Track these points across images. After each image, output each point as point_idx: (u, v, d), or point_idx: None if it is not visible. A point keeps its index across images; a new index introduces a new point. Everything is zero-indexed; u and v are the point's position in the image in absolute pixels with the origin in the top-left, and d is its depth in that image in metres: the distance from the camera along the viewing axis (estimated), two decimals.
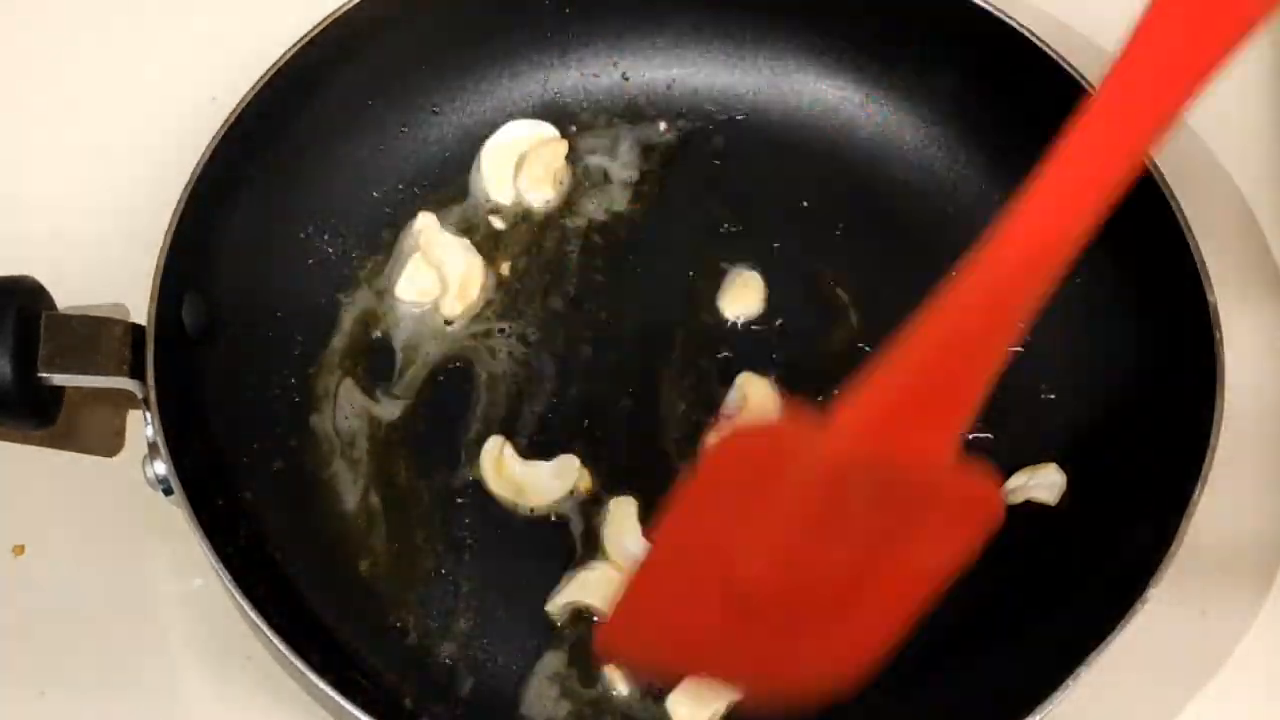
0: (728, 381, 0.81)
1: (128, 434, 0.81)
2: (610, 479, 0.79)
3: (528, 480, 0.79)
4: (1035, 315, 0.57)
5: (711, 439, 0.62)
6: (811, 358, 0.83)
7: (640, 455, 0.80)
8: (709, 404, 0.81)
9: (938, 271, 0.84)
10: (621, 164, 0.88)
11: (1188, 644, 0.78)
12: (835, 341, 0.83)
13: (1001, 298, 0.56)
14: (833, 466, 0.56)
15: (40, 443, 0.80)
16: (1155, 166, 0.78)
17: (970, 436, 0.79)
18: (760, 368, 0.82)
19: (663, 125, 0.89)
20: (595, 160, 0.88)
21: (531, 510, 0.79)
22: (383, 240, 0.85)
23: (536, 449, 0.80)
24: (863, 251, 0.86)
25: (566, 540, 0.78)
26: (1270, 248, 0.88)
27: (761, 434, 0.60)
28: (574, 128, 0.88)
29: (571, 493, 0.79)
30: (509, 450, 0.80)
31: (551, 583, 0.77)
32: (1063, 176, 0.55)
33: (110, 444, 0.81)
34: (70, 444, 0.81)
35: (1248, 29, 0.53)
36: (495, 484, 0.79)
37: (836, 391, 0.57)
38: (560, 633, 0.76)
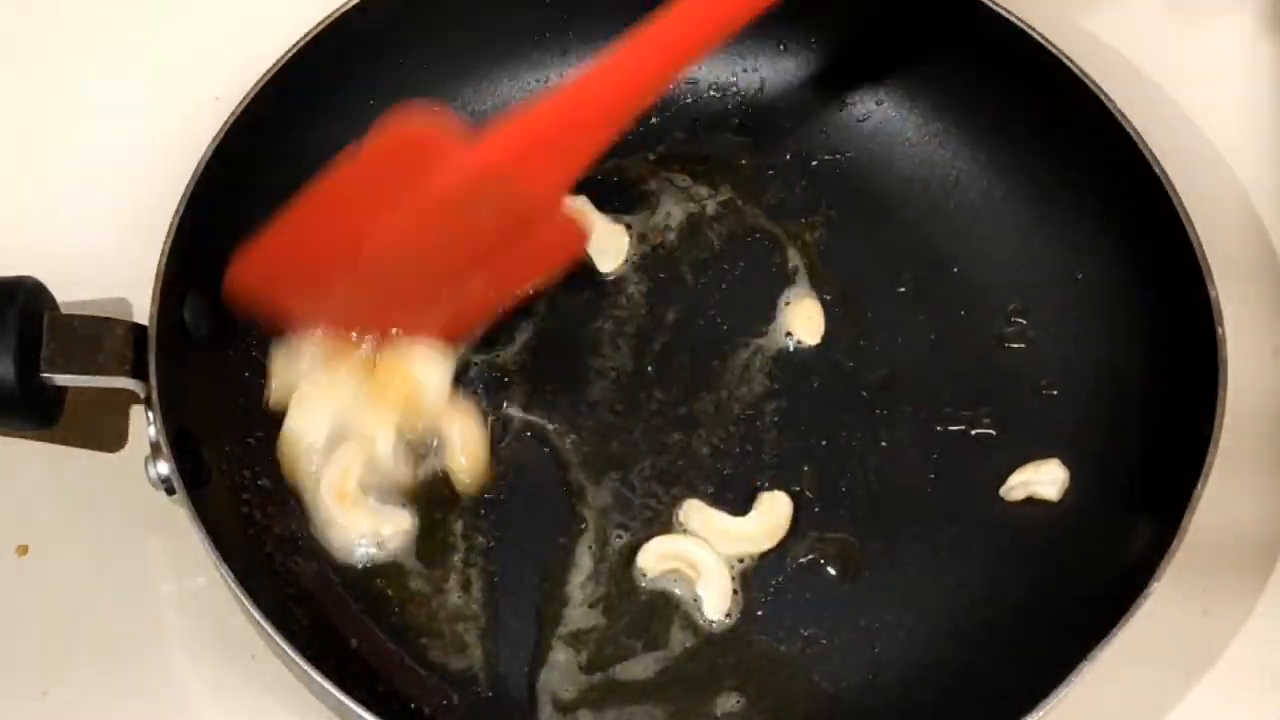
0: None
1: (130, 434, 0.81)
2: None
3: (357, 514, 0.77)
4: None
5: (379, 125, 0.72)
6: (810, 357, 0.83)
7: None
8: None
9: (938, 266, 0.85)
10: None
11: (1187, 638, 0.78)
12: (836, 337, 0.83)
13: (621, 99, 0.73)
14: (475, 174, 0.72)
15: (43, 442, 0.80)
16: (1157, 160, 0.78)
17: (974, 432, 0.80)
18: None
19: (654, 120, 0.89)
20: None
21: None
22: None
23: None
24: (862, 246, 0.86)
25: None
26: (1272, 242, 0.88)
27: (423, 133, 0.72)
28: None
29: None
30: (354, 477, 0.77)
31: (558, 583, 0.77)
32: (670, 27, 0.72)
33: (112, 444, 0.81)
34: (73, 444, 0.81)
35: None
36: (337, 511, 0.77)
37: None
38: (567, 629, 0.76)
